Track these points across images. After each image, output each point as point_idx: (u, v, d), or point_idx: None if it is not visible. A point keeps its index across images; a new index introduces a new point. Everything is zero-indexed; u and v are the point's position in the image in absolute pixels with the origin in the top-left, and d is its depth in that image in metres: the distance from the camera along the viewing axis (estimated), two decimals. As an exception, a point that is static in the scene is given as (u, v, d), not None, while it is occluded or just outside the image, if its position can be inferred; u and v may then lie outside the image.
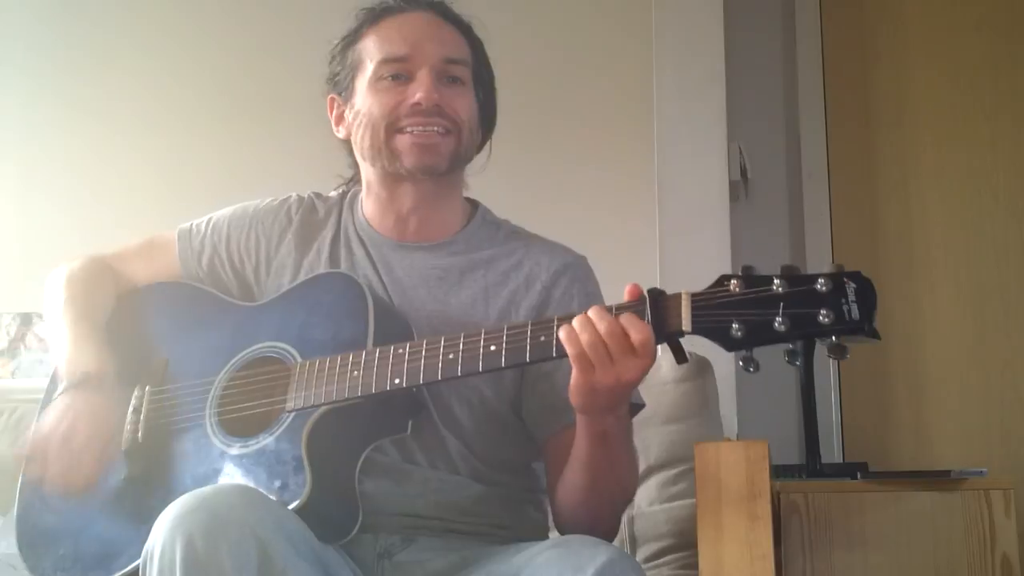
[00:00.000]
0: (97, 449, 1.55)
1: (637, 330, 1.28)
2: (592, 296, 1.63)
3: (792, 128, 2.91)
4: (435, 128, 1.58)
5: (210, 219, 1.77)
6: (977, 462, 2.15)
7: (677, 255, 2.58)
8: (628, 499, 1.63)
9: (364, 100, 1.62)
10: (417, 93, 1.58)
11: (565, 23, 2.80)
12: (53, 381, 1.70)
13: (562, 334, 1.32)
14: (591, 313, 1.31)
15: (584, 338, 1.30)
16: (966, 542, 1.94)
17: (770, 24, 2.95)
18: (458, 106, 1.61)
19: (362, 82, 1.63)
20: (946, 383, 2.77)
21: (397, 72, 1.60)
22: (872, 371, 2.79)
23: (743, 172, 2.73)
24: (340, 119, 1.69)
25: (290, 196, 1.76)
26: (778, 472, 2.11)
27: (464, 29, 1.67)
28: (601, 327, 1.30)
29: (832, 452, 2.70)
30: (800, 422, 2.36)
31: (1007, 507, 1.94)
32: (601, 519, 1.52)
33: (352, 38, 1.67)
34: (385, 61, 1.61)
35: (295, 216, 1.72)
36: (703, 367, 2.09)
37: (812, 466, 2.23)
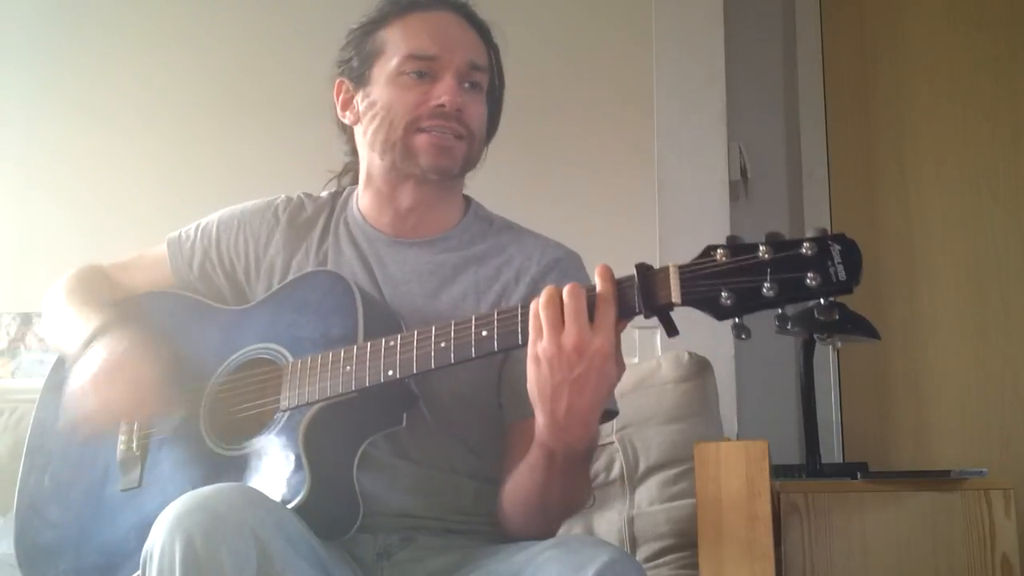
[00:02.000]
0: (153, 370, 1.55)
1: (569, 292, 1.29)
2: None
3: (792, 128, 2.91)
4: (451, 133, 1.59)
5: (199, 225, 1.77)
6: (977, 462, 2.15)
7: (677, 255, 2.53)
8: (570, 515, 1.60)
9: (383, 92, 1.61)
10: (443, 96, 1.57)
11: (565, 23, 2.80)
12: (59, 364, 1.71)
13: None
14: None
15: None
16: (966, 542, 1.94)
17: (770, 24, 2.96)
18: (473, 113, 1.61)
19: (381, 72, 1.62)
20: (946, 383, 2.77)
21: (422, 70, 1.60)
22: (872, 371, 2.79)
23: (743, 172, 2.73)
24: (347, 104, 1.68)
25: (278, 197, 1.76)
26: (778, 472, 2.11)
27: (485, 35, 1.67)
28: (544, 294, 1.30)
29: (832, 452, 2.70)
30: (800, 422, 2.36)
31: (1007, 507, 1.95)
32: (534, 521, 1.49)
33: (374, 26, 1.65)
34: (412, 57, 1.60)
35: (282, 216, 1.72)
36: (703, 367, 2.09)
37: (812, 466, 2.23)
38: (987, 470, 2.02)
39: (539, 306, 1.30)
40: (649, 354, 2.12)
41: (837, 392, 2.80)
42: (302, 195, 1.76)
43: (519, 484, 1.47)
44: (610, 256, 1.88)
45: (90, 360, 1.57)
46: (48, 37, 2.98)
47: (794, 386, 2.46)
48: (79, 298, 1.70)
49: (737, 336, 1.24)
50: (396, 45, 1.62)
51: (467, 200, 1.72)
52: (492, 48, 1.68)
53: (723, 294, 1.23)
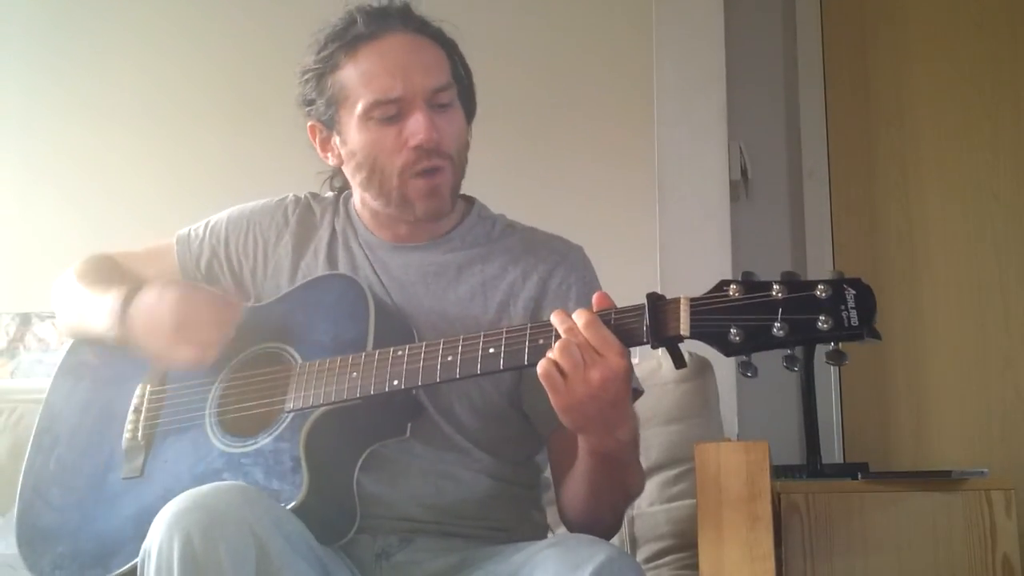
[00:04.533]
0: (213, 293, 1.57)
1: (581, 315, 1.30)
2: (590, 285, 1.62)
3: (792, 128, 2.91)
4: (435, 166, 1.56)
5: (207, 223, 1.77)
6: (978, 462, 2.15)
7: (677, 255, 2.57)
8: (633, 500, 1.64)
9: (358, 140, 1.58)
10: (418, 135, 1.54)
11: (565, 23, 2.79)
12: (71, 353, 1.71)
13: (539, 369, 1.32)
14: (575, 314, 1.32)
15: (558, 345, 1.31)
16: (967, 543, 1.94)
17: (770, 24, 2.95)
18: (451, 135, 1.58)
19: (349, 117, 1.58)
20: (946, 383, 2.77)
21: (389, 114, 1.55)
22: (872, 371, 2.79)
23: (743, 172, 2.72)
24: (326, 145, 1.65)
25: (287, 196, 1.76)
26: (779, 472, 2.11)
27: (438, 38, 1.62)
28: (562, 328, 1.31)
29: (832, 452, 2.70)
30: (800, 422, 2.36)
31: (1008, 508, 1.95)
32: (603, 520, 1.53)
33: (326, 67, 1.60)
34: (376, 104, 1.55)
35: (292, 217, 1.72)
36: (703, 367, 2.09)
37: (813, 466, 2.23)
38: (988, 470, 2.02)
39: (556, 352, 1.30)
40: (649, 354, 2.12)
41: (837, 392, 2.79)
42: (309, 196, 1.76)
43: (578, 491, 1.49)
44: (610, 256, 1.89)
45: (153, 311, 1.57)
46: (48, 32, 2.96)
47: (794, 386, 2.46)
48: (91, 278, 1.71)
49: (743, 374, 1.24)
50: (357, 90, 1.57)
51: (470, 201, 1.72)
52: (449, 48, 1.63)
53: (732, 331, 1.23)
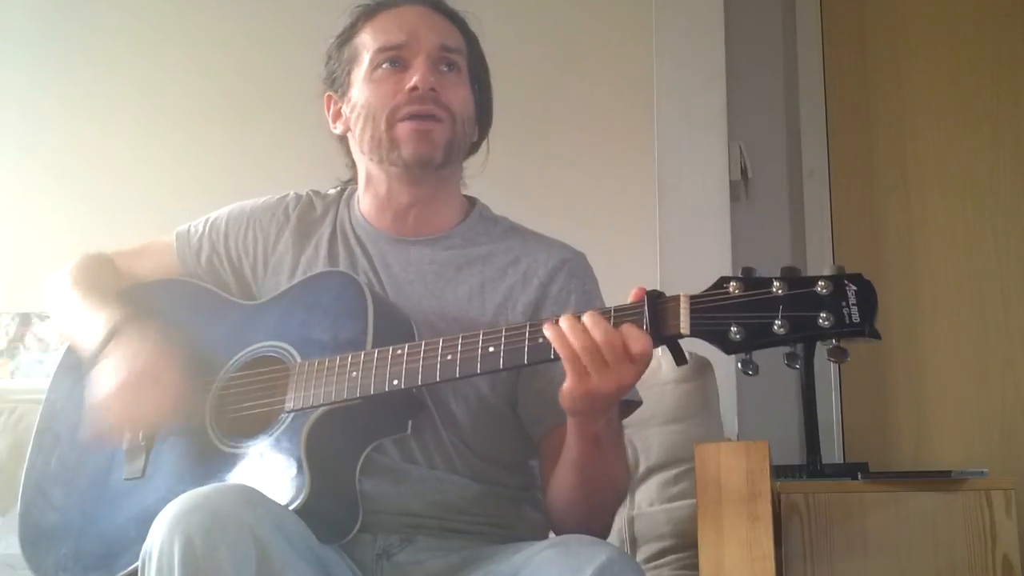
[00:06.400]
0: (177, 374, 1.54)
1: (637, 341, 1.28)
2: (590, 293, 1.63)
3: (792, 128, 2.91)
4: (431, 115, 1.58)
5: (208, 219, 1.77)
6: (978, 462, 2.15)
7: (677, 255, 2.58)
8: (621, 499, 1.63)
9: (361, 92, 1.62)
10: (413, 78, 1.58)
11: (565, 23, 2.80)
12: (70, 352, 1.71)
13: (549, 333, 1.31)
14: (586, 319, 1.30)
15: (578, 344, 1.29)
16: (967, 543, 1.94)
17: (770, 23, 2.95)
18: (452, 95, 1.61)
19: (359, 74, 1.63)
20: (946, 383, 2.77)
21: (393, 58, 1.61)
22: (872, 371, 2.79)
23: (743, 172, 2.72)
24: (337, 115, 1.69)
25: (288, 194, 1.76)
26: (779, 472, 2.11)
27: (459, 23, 1.68)
28: (597, 335, 1.29)
29: (832, 452, 2.70)
30: (800, 422, 2.36)
31: (1008, 507, 1.94)
32: (593, 518, 1.52)
33: (348, 35, 1.67)
34: (381, 50, 1.62)
35: (292, 213, 1.73)
36: (703, 367, 2.09)
37: (813, 466, 2.23)
38: (988, 470, 2.02)
39: (578, 350, 1.29)
40: (649, 354, 2.12)
41: (838, 392, 2.79)
42: (311, 193, 1.76)
43: (566, 483, 1.48)
44: (610, 256, 1.89)
45: (112, 366, 1.55)
46: (53, 25, 2.95)
47: (795, 386, 2.46)
48: (85, 287, 1.70)
49: (744, 372, 1.24)
50: (367, 45, 1.64)
51: (472, 201, 1.72)
52: (468, 35, 1.68)
53: (733, 328, 1.22)
